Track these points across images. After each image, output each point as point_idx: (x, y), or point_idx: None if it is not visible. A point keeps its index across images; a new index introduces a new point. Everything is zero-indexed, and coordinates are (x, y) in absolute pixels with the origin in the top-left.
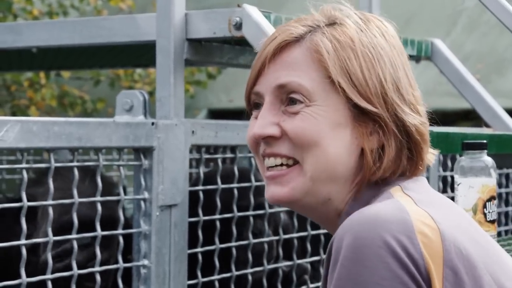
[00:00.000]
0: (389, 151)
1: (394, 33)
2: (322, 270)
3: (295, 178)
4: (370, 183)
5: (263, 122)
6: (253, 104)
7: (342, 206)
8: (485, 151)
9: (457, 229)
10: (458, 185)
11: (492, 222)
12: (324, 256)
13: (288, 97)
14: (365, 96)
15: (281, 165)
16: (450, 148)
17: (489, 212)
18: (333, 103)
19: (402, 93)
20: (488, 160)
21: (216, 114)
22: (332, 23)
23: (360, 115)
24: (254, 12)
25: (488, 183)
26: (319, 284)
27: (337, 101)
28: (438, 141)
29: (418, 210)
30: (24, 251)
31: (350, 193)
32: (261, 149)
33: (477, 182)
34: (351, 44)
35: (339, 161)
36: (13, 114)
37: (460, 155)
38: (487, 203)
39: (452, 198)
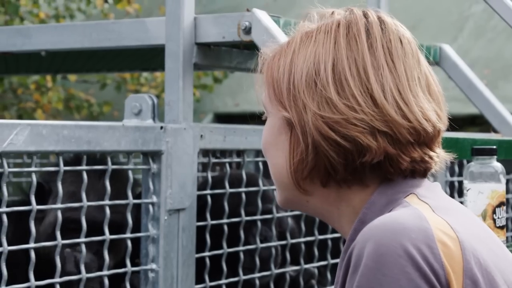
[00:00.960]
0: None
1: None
2: (339, 275)
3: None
4: (382, 188)
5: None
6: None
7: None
8: (495, 157)
9: (474, 238)
10: (467, 190)
11: (501, 228)
12: (331, 261)
13: None
14: (283, 103)
15: None
16: (459, 154)
17: (498, 218)
18: (275, 114)
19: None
20: (497, 165)
21: (222, 118)
22: (301, 37)
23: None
24: (263, 16)
25: (497, 189)
26: None
27: (277, 112)
28: (447, 146)
29: (436, 218)
30: (33, 254)
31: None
32: None
33: (487, 187)
34: (287, 61)
35: (283, 169)
36: (19, 117)
37: (469, 161)
38: (496, 208)
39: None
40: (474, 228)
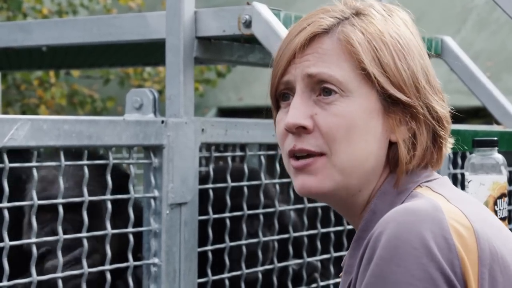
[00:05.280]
0: (421, 141)
1: (412, 23)
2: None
3: (322, 169)
4: (395, 178)
5: (297, 112)
6: (282, 94)
7: (367, 199)
8: (496, 148)
9: (488, 226)
10: (468, 182)
11: (503, 219)
12: (334, 254)
13: (320, 87)
14: (398, 86)
15: (308, 156)
16: (461, 146)
17: (500, 209)
18: (365, 94)
19: (430, 81)
20: (499, 157)
21: (226, 112)
22: (358, 14)
23: (390, 106)
24: (263, 10)
25: (499, 181)
26: (329, 282)
27: (369, 93)
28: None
29: (452, 208)
30: (34, 249)
31: (376, 187)
32: (289, 143)
33: (488, 179)
34: (380, 35)
35: (371, 155)
36: (23, 113)
37: (471, 153)
38: (498, 200)
39: None
40: (487, 217)
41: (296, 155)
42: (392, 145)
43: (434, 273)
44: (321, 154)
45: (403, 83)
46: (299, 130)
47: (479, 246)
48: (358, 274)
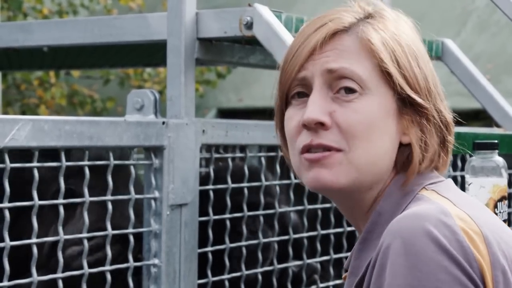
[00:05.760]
0: (432, 143)
1: (415, 28)
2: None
3: (338, 164)
4: (403, 179)
5: (317, 108)
6: (296, 93)
7: (374, 199)
8: (496, 151)
9: (496, 229)
10: (469, 185)
11: (503, 222)
12: (334, 256)
13: (340, 86)
14: (414, 88)
15: (323, 150)
16: (461, 148)
17: (500, 212)
18: (383, 93)
19: (437, 86)
20: (499, 160)
21: (226, 113)
22: (373, 16)
23: (404, 107)
24: (265, 11)
25: (499, 183)
26: (329, 284)
27: (387, 92)
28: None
29: (459, 212)
30: (35, 249)
31: (384, 187)
32: (304, 138)
33: (488, 182)
34: (396, 37)
35: (386, 155)
36: (23, 113)
37: (471, 155)
38: (498, 203)
39: None
40: (493, 221)
41: (311, 150)
42: (401, 147)
43: (458, 274)
44: (338, 150)
45: (418, 85)
46: (317, 126)
47: (490, 250)
48: (370, 281)
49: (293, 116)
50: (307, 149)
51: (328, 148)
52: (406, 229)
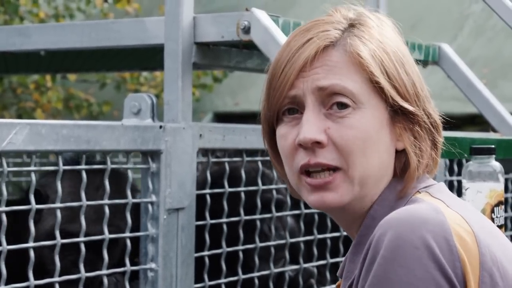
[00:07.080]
0: (425, 148)
1: (397, 29)
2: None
3: (341, 184)
4: (399, 185)
5: (312, 127)
6: (286, 109)
7: (370, 205)
8: (493, 156)
9: (487, 232)
10: (466, 189)
11: (500, 227)
12: (330, 260)
13: (332, 101)
14: (403, 96)
15: (322, 170)
16: (458, 153)
17: (497, 217)
18: (375, 105)
19: (424, 88)
20: (496, 165)
21: (222, 117)
22: (355, 24)
23: (396, 116)
24: (262, 16)
25: (496, 188)
26: None
27: (378, 104)
28: (445, 145)
29: (452, 212)
30: (32, 253)
31: (378, 193)
32: (301, 158)
33: (485, 187)
34: (382, 45)
35: (382, 165)
36: (19, 117)
37: (467, 160)
38: (495, 208)
39: None
40: (486, 224)
41: (308, 170)
42: (397, 153)
43: (435, 274)
44: (336, 168)
45: (407, 92)
46: (313, 145)
47: (480, 250)
48: (360, 275)
49: (287, 135)
50: (305, 168)
51: (326, 167)
52: (395, 223)
